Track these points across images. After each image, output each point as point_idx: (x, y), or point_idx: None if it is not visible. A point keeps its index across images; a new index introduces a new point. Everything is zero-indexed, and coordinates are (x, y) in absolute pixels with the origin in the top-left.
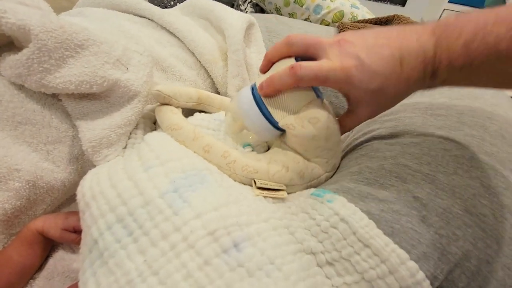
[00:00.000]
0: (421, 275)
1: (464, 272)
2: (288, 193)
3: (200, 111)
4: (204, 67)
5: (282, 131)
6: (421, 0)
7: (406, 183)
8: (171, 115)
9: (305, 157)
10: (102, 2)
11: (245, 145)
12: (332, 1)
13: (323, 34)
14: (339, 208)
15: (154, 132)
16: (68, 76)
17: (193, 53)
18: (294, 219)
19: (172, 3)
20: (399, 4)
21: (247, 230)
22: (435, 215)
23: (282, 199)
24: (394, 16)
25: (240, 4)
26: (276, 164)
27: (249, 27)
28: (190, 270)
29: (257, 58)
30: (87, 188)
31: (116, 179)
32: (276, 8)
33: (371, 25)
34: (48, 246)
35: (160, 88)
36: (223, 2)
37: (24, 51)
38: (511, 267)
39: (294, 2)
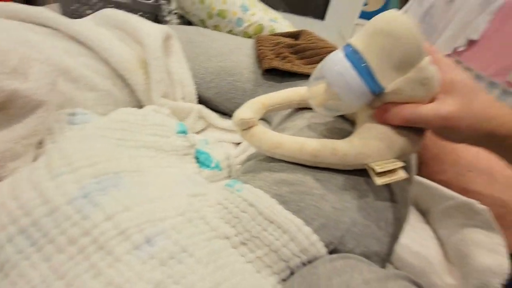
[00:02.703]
0: (315, 237)
1: (352, 236)
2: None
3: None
4: (120, 76)
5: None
6: (337, 16)
7: (310, 168)
8: (265, 136)
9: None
10: None
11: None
12: (252, 15)
13: (240, 46)
14: (247, 195)
15: (71, 135)
16: None
17: (107, 63)
18: (210, 211)
19: (88, 12)
20: (319, 18)
21: (161, 225)
22: (331, 192)
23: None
24: (301, 31)
25: (165, 15)
26: (381, 140)
27: (167, 38)
28: (100, 269)
29: (178, 67)
30: None
31: (19, 190)
32: (201, 20)
33: (284, 38)
34: None
35: (242, 116)
36: (148, 12)
37: None
38: (384, 227)
39: (217, 15)
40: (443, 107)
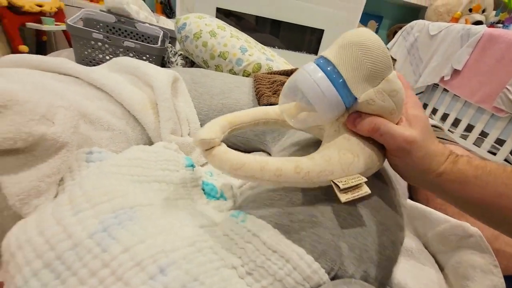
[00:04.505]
0: (316, 265)
1: (351, 261)
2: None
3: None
4: (133, 116)
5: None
6: None
7: (307, 195)
8: (226, 156)
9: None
10: (22, 63)
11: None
12: (250, 55)
13: (238, 84)
14: (251, 226)
15: (90, 172)
16: None
17: (121, 105)
18: (218, 241)
19: (100, 56)
20: (313, 53)
21: (172, 255)
22: (328, 219)
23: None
24: (295, 69)
25: (170, 57)
26: (345, 154)
27: (174, 81)
28: None
29: (184, 106)
30: (13, 239)
31: (44, 226)
32: (204, 61)
33: (279, 76)
34: None
35: (202, 136)
36: (155, 54)
37: None
38: (383, 251)
39: (219, 56)
40: (408, 131)
